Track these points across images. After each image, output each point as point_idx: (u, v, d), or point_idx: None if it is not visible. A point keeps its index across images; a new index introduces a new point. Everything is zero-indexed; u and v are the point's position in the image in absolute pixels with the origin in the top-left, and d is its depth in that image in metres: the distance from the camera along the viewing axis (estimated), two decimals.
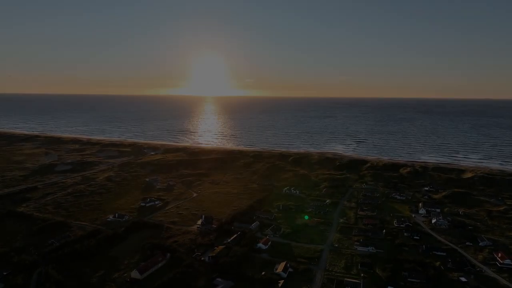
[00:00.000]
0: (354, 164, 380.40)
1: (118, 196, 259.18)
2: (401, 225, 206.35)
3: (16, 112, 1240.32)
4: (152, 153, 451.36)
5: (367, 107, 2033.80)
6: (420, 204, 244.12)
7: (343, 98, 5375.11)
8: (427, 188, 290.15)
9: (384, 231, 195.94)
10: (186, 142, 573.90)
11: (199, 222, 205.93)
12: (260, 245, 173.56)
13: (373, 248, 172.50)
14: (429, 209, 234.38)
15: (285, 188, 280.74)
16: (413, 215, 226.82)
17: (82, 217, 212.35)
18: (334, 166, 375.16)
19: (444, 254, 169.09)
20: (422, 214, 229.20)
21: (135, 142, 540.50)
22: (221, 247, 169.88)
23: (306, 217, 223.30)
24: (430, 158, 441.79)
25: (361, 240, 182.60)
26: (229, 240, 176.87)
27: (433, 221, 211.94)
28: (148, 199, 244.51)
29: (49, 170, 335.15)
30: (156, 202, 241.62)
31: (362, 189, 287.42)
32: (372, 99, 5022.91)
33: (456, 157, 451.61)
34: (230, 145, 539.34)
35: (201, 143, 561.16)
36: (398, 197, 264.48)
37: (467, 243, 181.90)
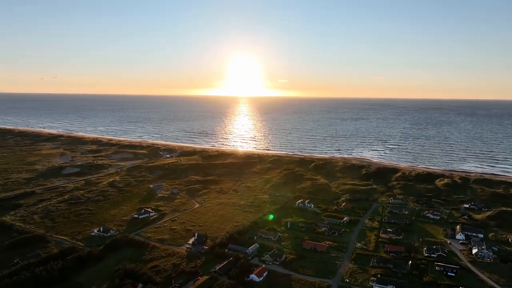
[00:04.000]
0: (383, 173, 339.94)
1: (114, 204, 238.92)
2: (432, 255, 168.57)
3: (52, 112, 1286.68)
4: (168, 155, 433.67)
5: (403, 109, 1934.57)
6: (458, 226, 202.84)
7: (379, 99, 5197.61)
8: (467, 206, 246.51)
9: (410, 262, 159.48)
10: (206, 144, 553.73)
11: (191, 241, 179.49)
12: (253, 276, 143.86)
13: None
14: (469, 233, 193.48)
15: (298, 201, 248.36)
16: (449, 241, 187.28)
17: (65, 229, 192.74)
18: (359, 175, 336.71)
19: None
20: (460, 240, 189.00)
21: (154, 143, 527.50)
22: (205, 277, 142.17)
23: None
24: (473, 167, 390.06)
25: (379, 274, 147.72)
26: (216, 268, 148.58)
27: (474, 251, 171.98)
28: (143, 210, 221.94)
29: (55, 173, 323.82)
30: (151, 214, 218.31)
31: (388, 205, 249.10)
32: (410, 100, 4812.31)
33: (504, 167, 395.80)
34: (250, 149, 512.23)
35: (222, 146, 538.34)
36: (431, 216, 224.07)
37: None
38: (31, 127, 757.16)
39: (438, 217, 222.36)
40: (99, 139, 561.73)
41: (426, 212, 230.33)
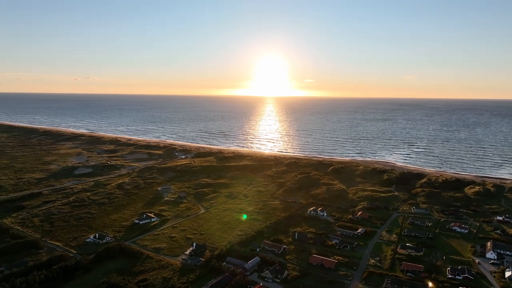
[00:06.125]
0: (406, 179, 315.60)
1: (118, 208, 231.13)
2: (457, 277, 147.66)
3: (79, 112, 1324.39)
4: (183, 156, 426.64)
5: (434, 109, 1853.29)
6: (489, 243, 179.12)
7: (408, 99, 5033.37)
8: (500, 218, 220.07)
9: (430, 285, 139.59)
10: (223, 145, 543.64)
11: (188, 251, 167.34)
12: None
13: None
14: (502, 252, 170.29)
15: (310, 209, 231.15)
16: (477, 261, 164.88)
17: (62, 235, 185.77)
18: (380, 180, 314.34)
19: None
20: (490, 259, 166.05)
21: (172, 144, 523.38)
22: None
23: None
24: (508, 174, 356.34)
25: None
26: (209, 285, 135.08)
27: (508, 274, 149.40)
28: (145, 215, 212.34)
29: (67, 174, 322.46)
30: (152, 219, 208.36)
31: (410, 215, 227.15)
32: (441, 100, 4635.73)
33: None
34: (268, 150, 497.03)
35: (239, 147, 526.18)
36: (458, 230, 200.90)
37: None
38: (56, 126, 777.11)
39: (466, 231, 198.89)
40: (118, 138, 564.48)
41: (452, 224, 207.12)
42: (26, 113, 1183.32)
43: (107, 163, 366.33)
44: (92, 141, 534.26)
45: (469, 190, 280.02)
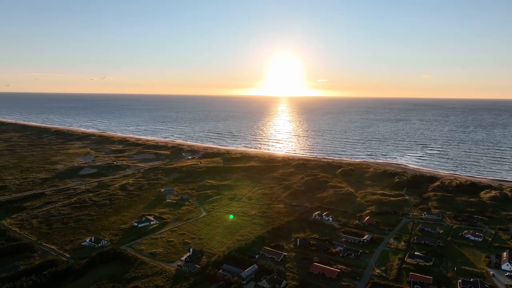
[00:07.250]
0: (418, 182, 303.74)
1: (118, 210, 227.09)
2: None
3: (92, 111, 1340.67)
4: (189, 157, 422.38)
5: (451, 109, 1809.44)
6: (505, 253, 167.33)
7: (424, 99, 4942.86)
8: None
9: None
10: (231, 145, 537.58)
11: (184, 257, 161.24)
12: None
13: None
14: None
15: (315, 213, 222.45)
16: (491, 272, 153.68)
17: (58, 237, 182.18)
18: (391, 184, 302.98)
19: None
20: (506, 271, 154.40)
21: (180, 144, 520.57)
22: None
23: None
24: None
25: None
26: None
27: None
28: (144, 218, 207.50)
29: (72, 174, 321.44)
30: (152, 222, 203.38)
31: (420, 221, 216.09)
32: (459, 100, 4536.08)
33: None
34: (277, 151, 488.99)
35: (247, 147, 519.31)
36: (472, 238, 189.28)
37: None
38: (68, 125, 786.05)
39: (480, 239, 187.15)
40: (127, 138, 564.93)
41: (465, 232, 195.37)
42: (40, 113, 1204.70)
43: (113, 164, 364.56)
44: (101, 141, 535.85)
45: (484, 195, 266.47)
